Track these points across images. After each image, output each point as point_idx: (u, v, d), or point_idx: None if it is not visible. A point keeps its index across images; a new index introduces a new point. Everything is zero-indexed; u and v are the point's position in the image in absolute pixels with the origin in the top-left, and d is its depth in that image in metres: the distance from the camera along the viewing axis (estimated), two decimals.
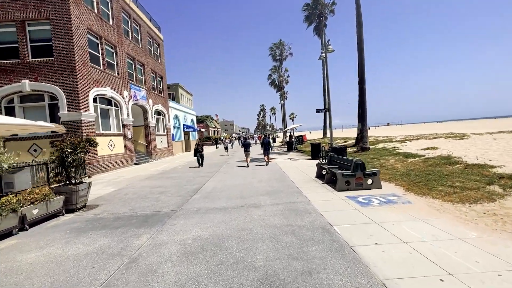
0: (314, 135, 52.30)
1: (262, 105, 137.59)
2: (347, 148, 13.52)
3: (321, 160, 13.62)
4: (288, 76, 48.87)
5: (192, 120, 37.53)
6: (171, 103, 28.04)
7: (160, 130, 24.67)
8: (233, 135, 71.44)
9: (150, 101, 21.98)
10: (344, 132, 77.27)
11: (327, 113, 16.60)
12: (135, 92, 19.07)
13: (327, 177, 8.16)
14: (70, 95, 12.90)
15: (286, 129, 31.85)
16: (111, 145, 15.67)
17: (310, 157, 16.55)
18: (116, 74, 16.82)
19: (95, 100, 14.60)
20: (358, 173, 6.88)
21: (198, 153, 15.03)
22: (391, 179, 7.86)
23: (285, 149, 26.21)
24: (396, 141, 17.49)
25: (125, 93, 17.68)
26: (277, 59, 47.92)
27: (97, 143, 7.00)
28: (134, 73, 19.71)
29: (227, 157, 19.94)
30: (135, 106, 20.22)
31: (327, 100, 16.58)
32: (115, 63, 16.93)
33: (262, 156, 15.59)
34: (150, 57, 22.94)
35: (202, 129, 52.10)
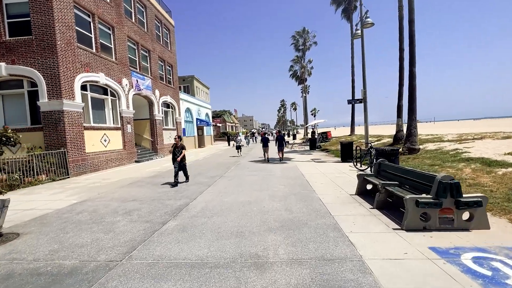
0: (339, 132, 48.28)
1: (283, 100, 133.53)
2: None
3: (355, 164, 10.51)
4: (312, 67, 45.14)
5: (207, 114, 35.38)
6: (182, 95, 25.89)
7: (169, 124, 22.58)
8: (253, 130, 68.76)
9: (157, 92, 19.84)
10: (370, 129, 71.77)
11: (362, 104, 13.29)
12: (137, 80, 16.93)
13: (380, 200, 5.13)
14: (50, 81, 10.83)
15: (308, 124, 28.56)
16: (105, 140, 13.59)
17: (339, 159, 13.39)
18: (113, 59, 14.68)
19: (84, 88, 12.52)
20: (446, 200, 3.82)
21: (176, 160, 8.47)
22: (493, 207, 4.68)
23: (307, 148, 23.05)
24: (449, 141, 13.83)
25: (125, 81, 15.54)
26: (300, 49, 44.35)
27: (12, 140, 4.54)
28: (137, 59, 17.56)
29: (239, 157, 17.20)
30: (139, 97, 18.13)
31: (362, 89, 13.27)
32: (112, 46, 14.79)
33: (277, 155, 14.88)
34: (158, 43, 20.74)
35: (218, 124, 50.06)
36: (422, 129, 34.98)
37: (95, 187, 8.61)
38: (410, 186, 4.88)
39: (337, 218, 4.62)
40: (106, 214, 5.49)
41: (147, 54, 19.00)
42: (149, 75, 18.96)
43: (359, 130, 43.35)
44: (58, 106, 10.83)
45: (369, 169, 9.68)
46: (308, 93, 47.86)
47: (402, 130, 17.53)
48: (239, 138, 18.92)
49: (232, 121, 68.70)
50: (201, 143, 31.53)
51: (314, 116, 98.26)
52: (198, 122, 29.83)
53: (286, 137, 51.53)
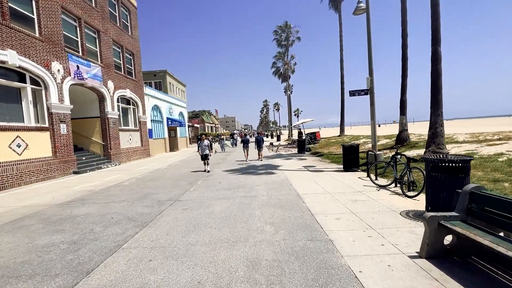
0: (326, 132, 46.05)
1: (265, 101, 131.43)
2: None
3: (369, 175, 7.49)
4: (295, 64, 42.68)
5: (181, 113, 31.48)
6: (148, 90, 21.97)
7: (129, 123, 18.63)
8: (234, 132, 64.93)
9: (110, 84, 15.90)
10: (353, 129, 70.63)
11: (368, 96, 10.39)
12: (78, 67, 13.00)
13: None
14: None
15: (295, 124, 25.63)
16: (18, 146, 9.64)
17: (339, 167, 10.42)
18: (36, 35, 10.74)
19: None
20: None
21: None
22: None
23: (294, 150, 20.04)
24: (465, 142, 11.37)
25: (57, 65, 11.61)
26: (283, 44, 41.69)
27: None
28: (79, 40, 13.61)
29: (208, 168, 13.64)
30: (83, 89, 14.19)
31: (368, 77, 10.37)
32: (34, 16, 10.84)
33: (257, 158, 15.20)
34: (113, 24, 16.80)
35: (196, 125, 46.07)
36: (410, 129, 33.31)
37: None
38: None
39: None
40: None
41: (95, 35, 15.04)
42: (99, 62, 15.02)
43: (349, 131, 41.18)
44: None
45: (393, 184, 6.70)
46: (291, 92, 45.29)
47: (407, 130, 15.02)
48: (205, 143, 11.30)
49: (212, 122, 64.74)
50: (173, 146, 27.63)
51: (297, 117, 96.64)
52: (170, 122, 25.93)
53: (270, 139, 48.83)
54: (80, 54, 13.52)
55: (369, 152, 8.66)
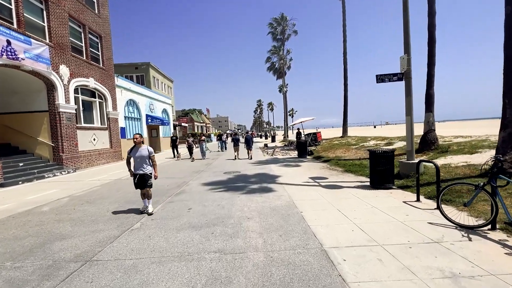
0: (325, 133, 43.29)
1: (259, 101, 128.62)
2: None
3: (442, 209, 4.48)
4: (291, 59, 39.86)
5: (165, 111, 28.09)
6: (121, 81, 18.62)
7: (93, 120, 15.28)
8: (229, 131, 61.79)
9: (64, 69, 12.56)
10: (352, 130, 68.02)
11: (405, 82, 7.50)
12: (9, 42, 9.67)
13: None
14: None
15: (294, 123, 22.68)
16: None
17: (359, 179, 7.44)
18: None
19: None
20: None
21: None
22: None
23: (293, 154, 17.07)
24: None
25: None
26: (278, 38, 38.82)
27: None
28: (13, 7, 10.29)
29: (149, 207, 9.48)
30: (26, 75, 10.89)
31: (404, 56, 7.48)
32: None
33: (247, 157, 15.23)
34: None
35: (185, 124, 42.65)
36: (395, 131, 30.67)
37: None
38: None
39: None
40: None
41: (41, 6, 11.70)
42: (47, 40, 11.70)
43: (352, 131, 38.02)
44: None
45: (488, 226, 3.75)
46: (287, 91, 42.43)
47: (434, 130, 12.14)
48: (141, 151, 5.10)
49: (202, 121, 61.27)
50: (155, 148, 24.27)
51: (292, 117, 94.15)
52: (150, 120, 22.59)
53: (265, 140, 45.85)
54: (15, 26, 10.20)
55: (422, 162, 5.67)
